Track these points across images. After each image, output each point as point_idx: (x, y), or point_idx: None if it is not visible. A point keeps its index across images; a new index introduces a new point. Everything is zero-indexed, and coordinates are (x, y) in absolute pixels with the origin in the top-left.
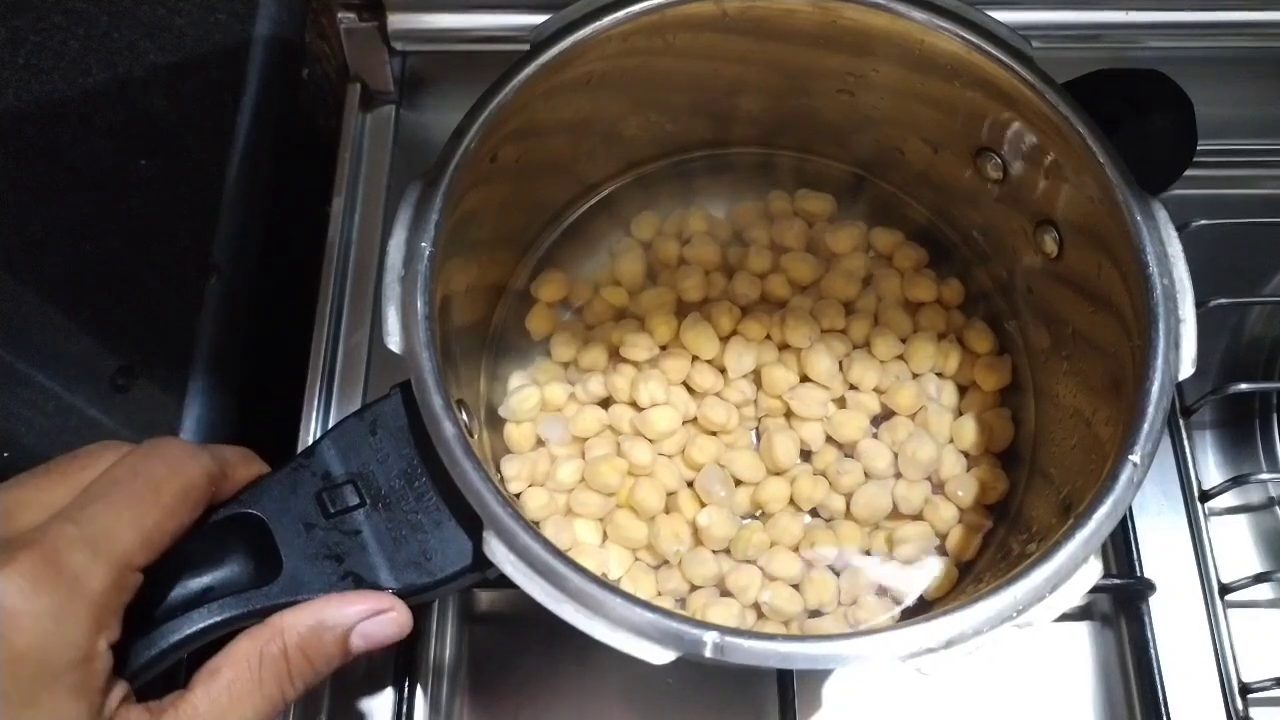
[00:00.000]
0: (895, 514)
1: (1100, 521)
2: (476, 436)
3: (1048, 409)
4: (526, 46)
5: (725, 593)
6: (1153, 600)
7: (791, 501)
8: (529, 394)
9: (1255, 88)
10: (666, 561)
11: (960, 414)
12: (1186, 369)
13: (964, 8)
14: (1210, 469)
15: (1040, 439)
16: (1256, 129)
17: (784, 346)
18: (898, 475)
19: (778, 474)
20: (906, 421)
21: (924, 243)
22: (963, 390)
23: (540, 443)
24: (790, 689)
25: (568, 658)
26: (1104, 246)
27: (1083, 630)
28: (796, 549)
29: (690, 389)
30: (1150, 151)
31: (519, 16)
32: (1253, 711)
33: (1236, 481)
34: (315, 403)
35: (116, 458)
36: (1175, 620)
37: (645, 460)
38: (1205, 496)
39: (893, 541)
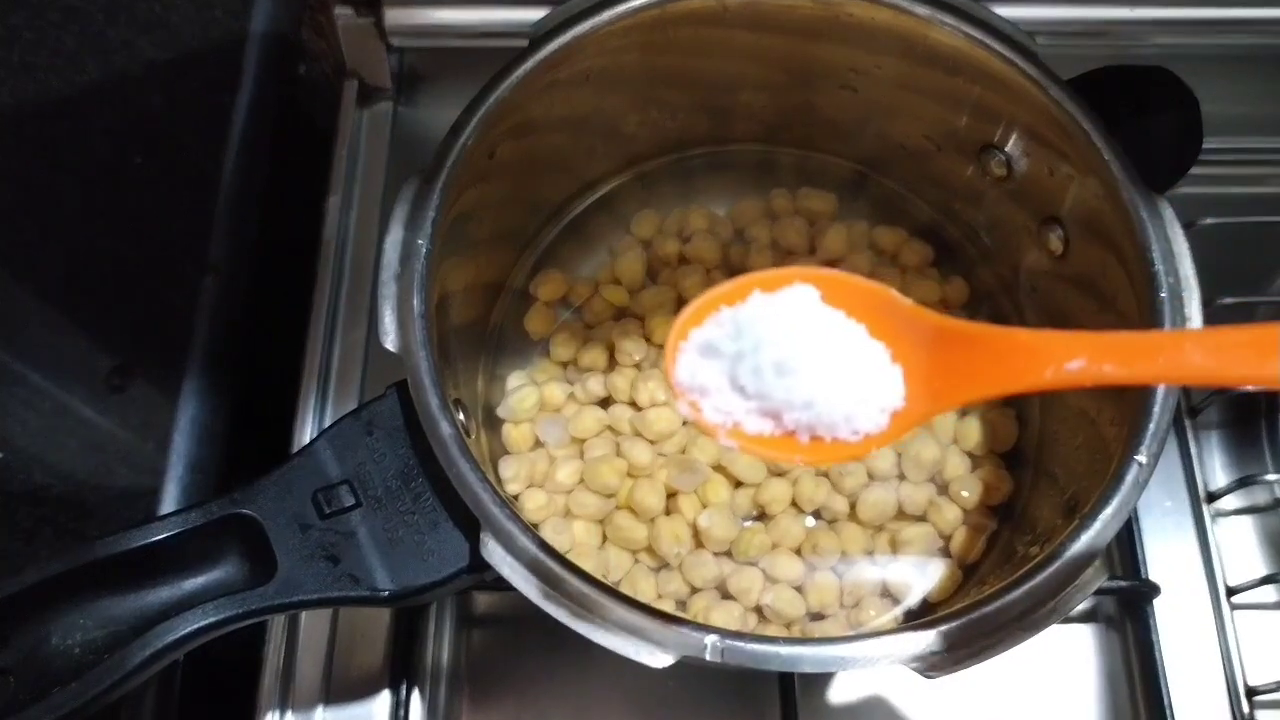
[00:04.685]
0: (898, 515)
1: (1105, 523)
2: (474, 437)
3: (1053, 409)
4: (525, 42)
5: (727, 595)
6: (1158, 603)
7: (794, 503)
8: (527, 394)
9: (1262, 85)
10: (667, 564)
11: (964, 414)
12: None
13: (968, 3)
14: (1216, 470)
15: (1045, 439)
16: (1263, 127)
17: None
18: (901, 476)
19: (779, 475)
20: None
21: (928, 240)
22: None
23: (539, 443)
24: (792, 692)
25: (567, 661)
26: (1110, 244)
27: (1087, 633)
28: (799, 551)
29: None
30: (1156, 149)
31: (518, 11)
32: (1259, 715)
33: (1243, 482)
34: (311, 402)
35: None
36: (1180, 623)
37: (645, 461)
38: (1211, 498)
39: (896, 543)
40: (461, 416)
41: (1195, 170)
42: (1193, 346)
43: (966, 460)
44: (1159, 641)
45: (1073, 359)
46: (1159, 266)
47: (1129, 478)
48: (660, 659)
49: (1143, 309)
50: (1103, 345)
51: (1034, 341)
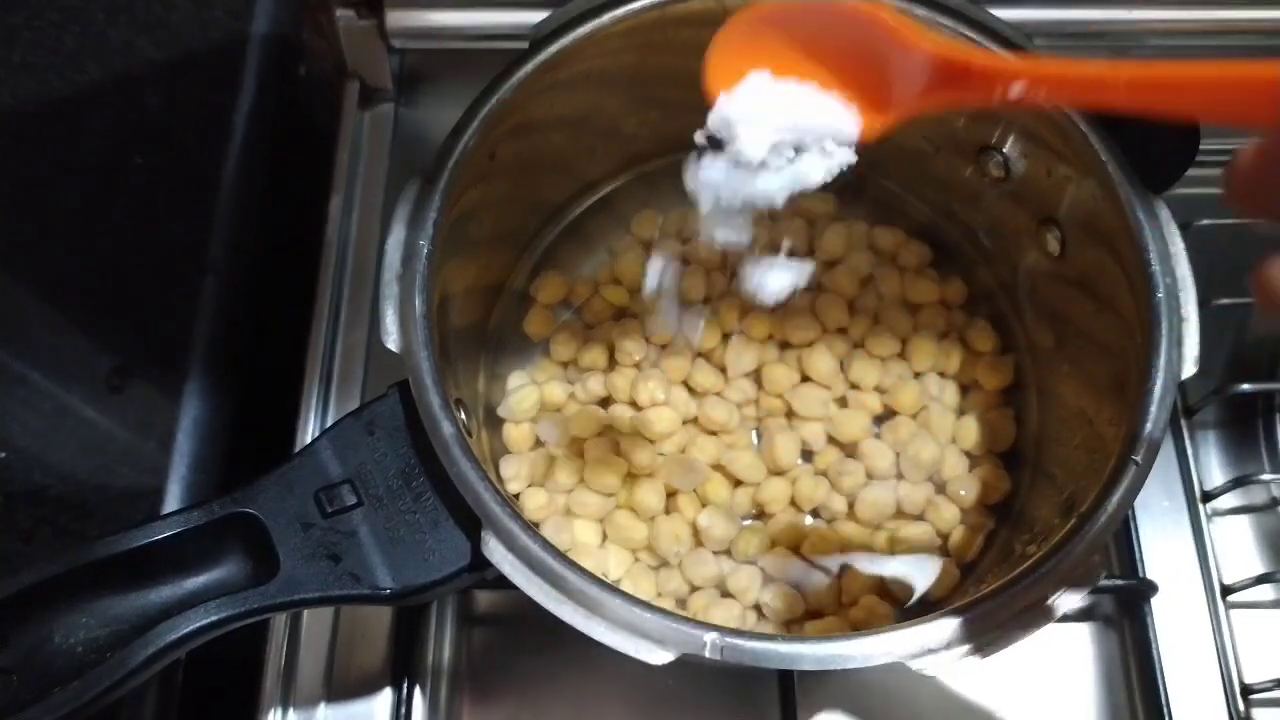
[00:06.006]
0: (897, 514)
1: (1103, 522)
2: (475, 436)
3: (1051, 408)
4: (526, 43)
5: (726, 594)
6: (1154, 601)
7: (793, 502)
8: (528, 393)
9: None
10: (666, 562)
11: (962, 414)
12: (1189, 368)
13: (966, 5)
14: (1213, 469)
15: (1043, 439)
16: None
17: (785, 345)
18: (899, 475)
19: (779, 474)
20: (908, 421)
21: (927, 241)
22: (965, 390)
23: (539, 442)
24: (792, 691)
25: (567, 660)
26: (1107, 245)
27: (1084, 631)
28: (797, 550)
29: (690, 388)
30: (1153, 150)
31: (518, 13)
32: (1254, 713)
33: (1239, 482)
34: (313, 402)
35: None
36: (1177, 621)
37: (645, 460)
38: (1207, 497)
39: (894, 542)
40: (462, 416)
41: (1192, 171)
42: (1124, 80)
43: (964, 459)
44: (1156, 640)
45: (1015, 80)
46: (1156, 267)
47: (1126, 477)
48: (660, 657)
49: (1140, 309)
50: (1040, 70)
51: (984, 61)
